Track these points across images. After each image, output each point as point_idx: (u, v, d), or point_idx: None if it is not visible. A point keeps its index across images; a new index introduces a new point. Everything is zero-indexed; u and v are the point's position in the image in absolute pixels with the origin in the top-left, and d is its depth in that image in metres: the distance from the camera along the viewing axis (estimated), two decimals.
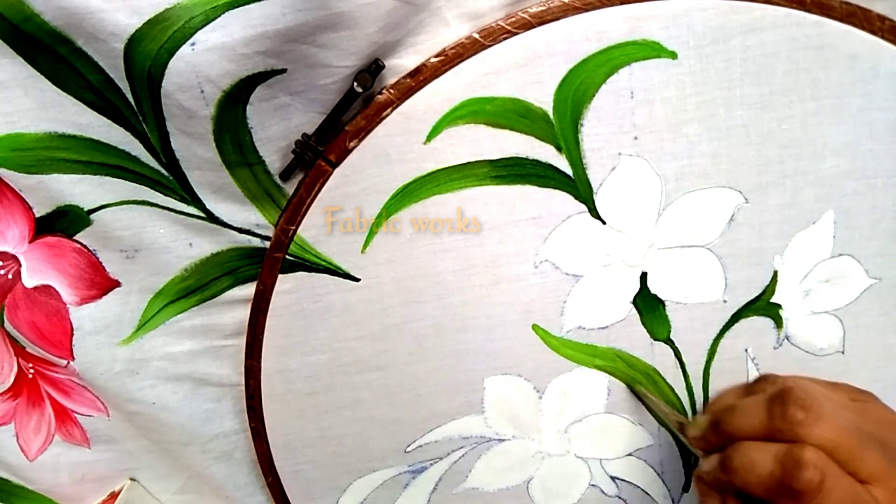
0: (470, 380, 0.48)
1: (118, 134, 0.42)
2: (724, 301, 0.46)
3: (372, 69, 0.41)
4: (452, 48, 0.42)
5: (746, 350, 0.47)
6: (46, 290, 0.45)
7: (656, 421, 0.47)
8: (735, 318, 0.47)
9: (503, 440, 0.49)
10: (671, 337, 0.47)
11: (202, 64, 0.39)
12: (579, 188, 0.44)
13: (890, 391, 0.47)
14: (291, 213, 0.44)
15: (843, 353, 0.47)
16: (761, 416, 0.37)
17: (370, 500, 0.51)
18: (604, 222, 0.45)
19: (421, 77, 0.42)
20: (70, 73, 0.40)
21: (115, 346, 0.47)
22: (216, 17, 0.38)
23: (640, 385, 0.48)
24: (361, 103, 0.43)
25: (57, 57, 0.39)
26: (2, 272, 0.44)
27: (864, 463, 0.35)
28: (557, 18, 0.41)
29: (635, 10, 0.41)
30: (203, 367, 0.48)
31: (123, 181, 0.43)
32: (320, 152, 0.43)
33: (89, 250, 0.45)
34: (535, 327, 0.47)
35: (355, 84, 0.41)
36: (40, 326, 0.45)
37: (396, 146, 0.43)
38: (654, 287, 0.46)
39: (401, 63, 0.42)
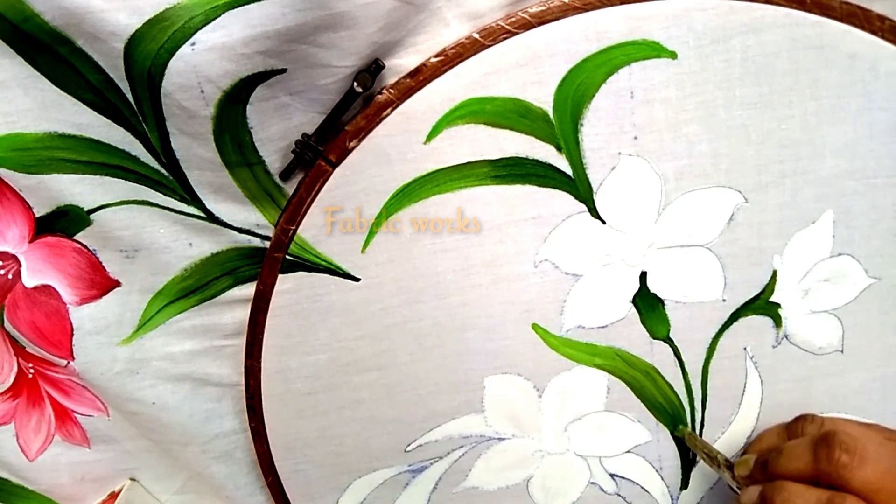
0: (470, 379, 0.48)
1: (118, 134, 0.42)
2: (724, 300, 0.47)
3: (372, 69, 0.41)
4: (452, 48, 0.42)
5: (745, 349, 0.48)
6: (46, 290, 0.45)
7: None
8: (734, 316, 0.47)
9: (503, 439, 0.49)
10: (670, 336, 0.47)
11: (202, 64, 0.39)
12: (579, 188, 0.44)
13: (889, 390, 0.48)
14: (291, 212, 0.44)
15: (841, 352, 0.47)
16: (807, 459, 0.39)
17: (370, 500, 0.51)
18: (604, 222, 0.45)
19: (421, 77, 0.42)
20: (70, 73, 0.40)
21: (115, 346, 0.47)
22: (216, 17, 0.38)
23: (684, 428, 0.49)
24: (361, 103, 0.43)
25: (57, 57, 0.39)
26: (2, 272, 0.44)
27: None
28: (557, 18, 0.41)
29: (635, 10, 0.41)
30: (203, 367, 0.48)
31: (123, 181, 0.43)
32: (320, 152, 0.43)
33: (89, 250, 0.45)
34: (534, 326, 0.47)
35: (355, 84, 0.41)
36: (40, 326, 0.45)
37: (396, 146, 0.43)
38: (653, 286, 0.46)
39: (401, 63, 0.42)
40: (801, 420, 0.45)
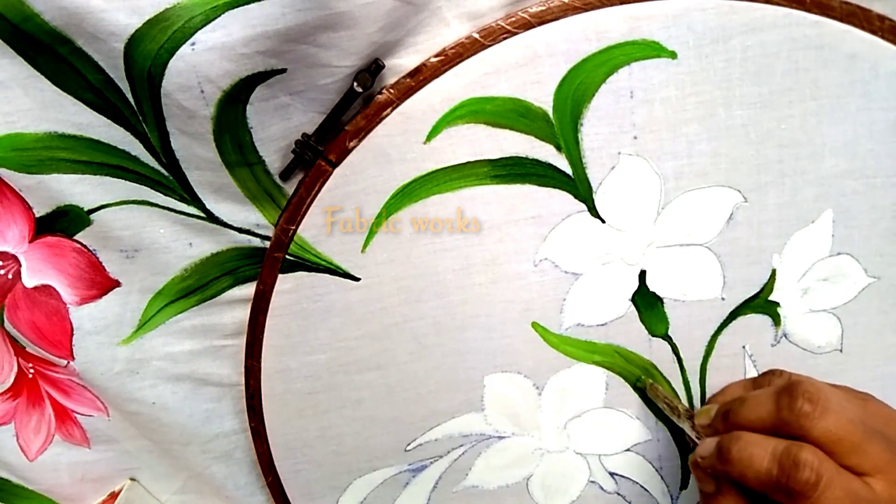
0: (470, 378, 0.48)
1: (118, 134, 0.42)
2: (723, 299, 0.47)
3: (372, 69, 0.41)
4: (452, 48, 0.42)
5: (744, 347, 0.48)
6: (46, 290, 0.45)
7: (663, 410, 0.47)
8: (733, 315, 0.47)
9: (503, 437, 0.49)
10: (669, 333, 0.47)
11: (202, 64, 0.39)
12: (579, 187, 0.44)
13: (888, 389, 0.48)
14: (291, 212, 0.44)
15: (840, 351, 0.48)
16: (769, 408, 0.38)
17: (370, 500, 0.51)
18: (603, 221, 0.45)
19: (421, 77, 0.42)
20: (70, 73, 0.40)
21: (115, 346, 0.47)
22: (216, 17, 0.37)
23: (646, 378, 0.48)
24: (361, 103, 0.43)
25: (57, 57, 0.39)
26: (2, 272, 0.44)
27: (867, 455, 0.35)
28: (557, 18, 0.41)
29: (635, 10, 0.41)
30: (203, 367, 0.48)
31: (123, 181, 0.43)
32: (320, 152, 0.43)
33: (89, 250, 0.45)
34: (534, 325, 0.47)
35: (355, 84, 0.41)
36: (40, 326, 0.45)
37: (396, 146, 0.43)
38: (652, 285, 0.46)
39: (401, 63, 0.42)
40: (768, 374, 0.45)
